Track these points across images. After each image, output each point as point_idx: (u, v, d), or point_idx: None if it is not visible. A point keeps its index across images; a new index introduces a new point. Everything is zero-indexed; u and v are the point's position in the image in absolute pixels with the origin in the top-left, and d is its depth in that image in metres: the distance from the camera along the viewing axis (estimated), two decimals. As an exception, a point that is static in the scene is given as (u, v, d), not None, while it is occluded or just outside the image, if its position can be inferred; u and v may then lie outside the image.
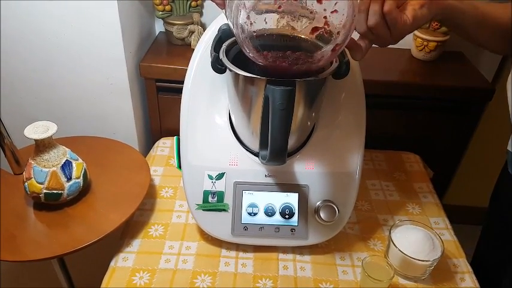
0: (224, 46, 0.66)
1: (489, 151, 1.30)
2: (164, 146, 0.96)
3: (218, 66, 0.63)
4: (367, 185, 0.88)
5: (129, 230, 0.75)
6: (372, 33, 0.52)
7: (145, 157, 0.95)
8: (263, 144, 0.68)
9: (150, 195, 0.82)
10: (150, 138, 1.07)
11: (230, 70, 0.62)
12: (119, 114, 0.96)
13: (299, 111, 0.64)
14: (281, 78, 0.57)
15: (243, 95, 0.65)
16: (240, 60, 0.68)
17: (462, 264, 0.72)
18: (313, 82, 0.62)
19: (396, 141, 1.02)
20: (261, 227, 0.70)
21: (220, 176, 0.71)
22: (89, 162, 0.77)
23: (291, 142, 0.68)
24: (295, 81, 0.58)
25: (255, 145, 0.70)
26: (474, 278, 0.70)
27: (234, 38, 0.69)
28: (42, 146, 0.69)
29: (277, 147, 0.60)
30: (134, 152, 0.85)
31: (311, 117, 0.69)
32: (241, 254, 0.71)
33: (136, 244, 0.73)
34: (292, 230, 0.70)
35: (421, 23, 0.52)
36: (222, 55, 0.64)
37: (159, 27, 1.07)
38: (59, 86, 0.93)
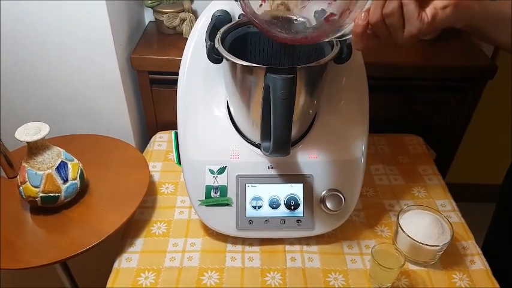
0: (219, 34, 0.63)
1: (491, 128, 1.29)
2: (161, 140, 0.93)
3: (214, 56, 0.60)
4: (371, 170, 0.87)
5: (131, 229, 0.73)
6: (383, 26, 0.48)
7: (142, 153, 0.92)
8: (265, 135, 0.66)
9: (150, 192, 0.80)
10: (146, 133, 1.04)
11: (227, 60, 0.59)
12: (112, 109, 0.92)
13: (301, 99, 0.62)
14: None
15: (241, 85, 0.63)
16: (236, 48, 0.66)
17: (471, 246, 0.71)
18: (314, 68, 0.60)
19: (397, 124, 1.00)
20: (266, 219, 0.69)
21: (221, 170, 0.69)
22: (84, 161, 0.75)
23: (293, 131, 0.66)
24: (295, 69, 0.56)
25: (256, 137, 0.68)
26: (484, 259, 0.69)
27: (229, 25, 0.66)
28: (35, 148, 0.67)
29: (280, 138, 0.58)
30: (131, 149, 0.83)
31: (313, 105, 0.67)
32: (247, 248, 0.70)
33: (139, 243, 0.71)
34: (298, 221, 0.69)
35: (440, 25, 0.46)
36: (217, 44, 0.61)
37: (148, 16, 1.03)
38: (47, 84, 0.89)
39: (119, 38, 0.86)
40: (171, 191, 0.81)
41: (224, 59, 0.59)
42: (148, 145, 0.93)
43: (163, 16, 0.93)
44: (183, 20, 0.94)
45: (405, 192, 0.82)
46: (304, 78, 0.59)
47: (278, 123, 0.57)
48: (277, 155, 0.61)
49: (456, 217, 0.77)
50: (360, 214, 0.77)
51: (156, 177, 0.84)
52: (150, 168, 0.85)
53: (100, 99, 0.91)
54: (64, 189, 0.68)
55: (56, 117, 0.94)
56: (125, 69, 0.91)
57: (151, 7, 0.94)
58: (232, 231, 0.69)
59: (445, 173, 1.09)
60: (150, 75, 0.92)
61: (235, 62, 0.58)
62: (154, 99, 0.96)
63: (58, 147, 0.70)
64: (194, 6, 1.00)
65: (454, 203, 0.79)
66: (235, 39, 0.67)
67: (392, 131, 0.97)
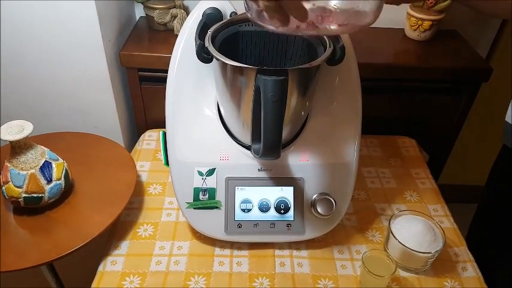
0: (210, 32, 0.61)
1: (485, 130, 1.29)
2: (150, 139, 0.91)
3: (204, 55, 0.58)
4: (363, 172, 0.85)
5: (116, 231, 0.71)
6: None
7: (130, 151, 0.90)
8: (255, 137, 0.64)
9: (138, 192, 0.78)
10: (135, 131, 1.02)
11: (217, 59, 0.57)
12: (100, 107, 0.90)
13: (292, 101, 0.60)
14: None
15: (232, 85, 0.61)
16: (227, 47, 0.64)
17: (463, 253, 0.70)
18: (306, 70, 0.58)
19: (390, 125, 0.99)
20: (256, 223, 0.67)
21: (210, 172, 0.67)
22: (70, 160, 0.72)
23: (284, 133, 0.64)
24: (287, 70, 0.54)
25: (246, 138, 0.67)
26: (476, 266, 0.68)
27: (220, 23, 0.64)
28: (18, 148, 0.64)
29: (270, 141, 0.56)
30: (118, 148, 0.81)
31: (305, 107, 0.66)
32: (235, 252, 0.68)
33: (124, 246, 0.69)
34: (288, 225, 0.67)
35: None
36: (207, 43, 0.59)
37: (139, 12, 1.01)
38: (34, 80, 0.86)
39: (107, 33, 0.83)
40: (159, 192, 0.79)
41: (214, 59, 0.57)
42: (136, 144, 0.91)
43: (154, 12, 0.91)
44: (174, 17, 0.92)
45: (397, 196, 0.81)
46: (296, 79, 0.58)
47: (268, 126, 0.55)
48: (267, 158, 0.60)
49: (448, 222, 0.76)
50: (351, 218, 0.76)
51: (144, 177, 0.82)
52: (138, 168, 0.84)
53: (88, 96, 0.88)
54: (48, 189, 0.66)
55: (43, 114, 0.91)
56: (114, 66, 0.88)
57: (142, 3, 0.92)
58: (220, 234, 0.67)
59: (437, 175, 1.08)
60: (139, 72, 0.90)
61: (225, 62, 0.56)
62: (143, 97, 0.93)
63: (42, 146, 0.68)
64: (186, 2, 0.97)
65: (446, 208, 0.79)
66: (226, 38, 0.65)
67: (385, 132, 0.96)
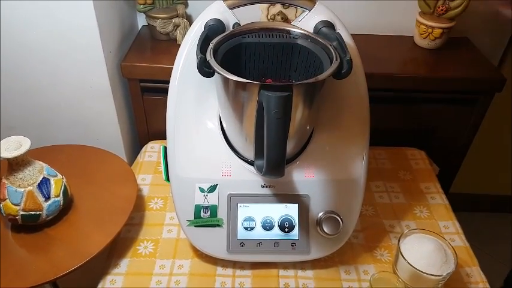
0: (211, 45, 0.59)
1: (498, 143, 1.24)
2: (152, 150, 0.89)
3: (205, 70, 0.56)
4: (371, 186, 0.83)
5: (116, 248, 0.70)
6: None
7: (132, 163, 0.89)
8: (258, 153, 0.62)
9: (138, 207, 0.76)
10: (137, 143, 1.00)
11: (219, 73, 0.55)
12: (102, 119, 0.89)
13: (297, 116, 0.58)
14: None
15: (234, 100, 0.59)
16: (230, 59, 0.62)
17: (475, 273, 0.67)
18: (311, 84, 0.56)
19: (398, 136, 0.96)
20: (259, 242, 0.65)
21: (212, 189, 0.65)
22: (69, 174, 0.71)
23: (289, 148, 0.62)
24: (291, 86, 0.52)
25: (249, 153, 0.64)
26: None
27: (222, 35, 0.62)
28: (15, 164, 0.63)
29: (274, 159, 0.54)
30: (119, 161, 0.79)
31: (310, 121, 0.63)
32: (238, 272, 0.66)
33: (124, 264, 0.67)
34: (293, 244, 0.65)
35: None
36: (209, 56, 0.57)
37: (141, 20, 0.99)
38: (34, 92, 0.85)
39: (108, 44, 0.82)
40: (160, 207, 0.77)
41: (216, 73, 0.55)
42: (138, 155, 0.89)
43: (156, 22, 0.89)
44: (176, 26, 0.90)
45: (407, 212, 0.78)
46: (301, 94, 0.55)
47: (272, 144, 0.53)
48: (270, 176, 0.58)
49: (460, 240, 0.73)
50: (358, 235, 0.73)
51: (145, 190, 0.80)
52: (139, 181, 0.82)
53: (89, 107, 0.87)
54: (46, 207, 0.64)
55: (44, 126, 0.90)
56: (115, 77, 0.87)
57: (144, 12, 0.90)
58: (222, 253, 0.65)
59: (447, 188, 1.04)
60: (141, 84, 0.88)
61: (228, 77, 0.54)
62: (145, 108, 0.92)
63: (41, 162, 0.66)
64: (189, 10, 0.96)
65: (458, 225, 0.75)
66: (229, 50, 0.63)
67: (393, 144, 0.93)
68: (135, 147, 1.01)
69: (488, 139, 1.20)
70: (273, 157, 0.54)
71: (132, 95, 0.90)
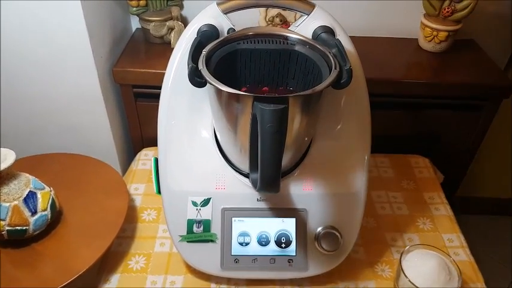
0: (204, 53, 0.56)
1: (504, 150, 1.21)
2: (146, 158, 0.87)
3: (197, 80, 0.53)
4: (373, 197, 0.80)
5: (106, 262, 0.67)
6: None
7: (126, 170, 0.86)
8: (253, 166, 0.59)
9: (131, 219, 0.74)
10: (131, 149, 0.97)
11: (211, 84, 0.52)
12: (94, 125, 0.86)
13: (294, 128, 0.55)
14: None
15: (227, 111, 0.56)
16: (224, 66, 0.59)
17: (481, 291, 0.64)
18: (308, 96, 0.53)
19: (402, 143, 0.92)
20: (254, 258, 0.62)
21: (205, 202, 0.62)
22: (59, 185, 0.68)
23: (285, 161, 0.59)
24: (287, 98, 0.49)
25: (244, 165, 0.61)
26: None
27: (216, 42, 0.59)
28: (0, 178, 0.60)
29: (268, 175, 0.51)
30: (111, 171, 0.76)
31: (308, 132, 0.60)
32: (233, 289, 0.63)
33: (114, 280, 0.64)
34: (290, 260, 0.62)
35: None
36: (201, 65, 0.54)
37: (135, 23, 0.96)
38: (24, 99, 0.82)
39: (99, 49, 0.79)
40: (153, 218, 0.74)
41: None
42: (132, 163, 0.87)
43: (149, 24, 0.86)
44: (171, 29, 0.87)
45: (409, 224, 0.75)
46: (298, 106, 0.52)
47: (266, 159, 0.50)
48: (265, 192, 0.55)
49: (464, 255, 0.70)
50: (359, 250, 0.70)
51: (138, 201, 0.77)
52: (132, 191, 0.79)
53: (81, 114, 0.84)
54: (33, 221, 0.62)
55: (35, 133, 0.87)
56: (107, 83, 0.84)
57: (137, 15, 0.87)
58: (216, 270, 0.62)
59: (451, 196, 1.01)
60: (134, 89, 0.85)
61: (220, 88, 0.51)
62: (139, 114, 0.89)
63: (27, 175, 0.64)
64: (184, 12, 0.92)
65: (462, 238, 0.72)
66: (224, 57, 0.60)
67: (397, 151, 0.89)
68: (129, 154, 0.98)
69: (493, 145, 1.17)
70: (268, 173, 0.51)
71: (125, 101, 0.87)
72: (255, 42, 0.61)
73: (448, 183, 0.87)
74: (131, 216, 0.74)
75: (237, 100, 0.52)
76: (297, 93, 0.51)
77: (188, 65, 0.53)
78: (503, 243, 1.33)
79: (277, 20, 0.89)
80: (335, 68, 0.53)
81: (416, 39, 0.93)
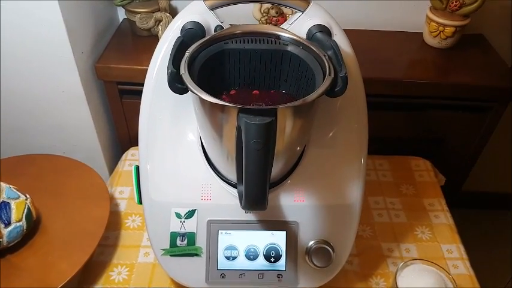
0: (187, 54, 0.51)
1: (508, 152, 1.16)
2: (133, 158, 0.83)
3: (177, 86, 0.48)
4: (370, 203, 0.76)
5: (87, 273, 0.64)
6: None
7: (113, 171, 0.82)
8: (240, 178, 0.55)
9: (114, 225, 0.70)
10: (118, 148, 0.93)
11: (192, 92, 0.47)
12: (77, 124, 0.82)
13: (284, 139, 0.50)
14: None
15: (211, 119, 0.51)
16: (211, 68, 0.54)
17: (481, 308, 0.61)
18: (298, 107, 0.48)
19: (403, 145, 0.88)
20: (242, 273, 0.59)
21: (190, 214, 0.58)
22: (38, 190, 0.65)
23: (275, 171, 0.55)
24: (275, 110, 0.44)
25: (231, 174, 0.57)
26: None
27: (200, 42, 0.54)
28: (-31, 187, 0.57)
29: (253, 194, 0.47)
30: (93, 175, 0.72)
31: (300, 142, 0.56)
32: (219, 304, 0.60)
33: (95, 293, 0.62)
34: (279, 275, 0.59)
35: None
36: (183, 69, 0.49)
37: (122, 13, 0.90)
38: (2, 96, 0.78)
39: (79, 43, 0.73)
40: (138, 225, 0.71)
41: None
42: (118, 164, 0.83)
43: (135, 16, 0.81)
44: (158, 21, 0.81)
45: (407, 233, 0.71)
46: (288, 116, 0.48)
47: (251, 177, 0.46)
48: (250, 210, 0.51)
49: (464, 267, 0.66)
50: (353, 261, 0.67)
51: (123, 206, 0.74)
52: (117, 195, 0.75)
53: (63, 112, 0.80)
54: (6, 233, 0.58)
55: (17, 132, 0.83)
56: (90, 79, 0.79)
57: (122, 6, 0.81)
58: (201, 285, 0.59)
59: (452, 200, 0.97)
60: (119, 86, 0.80)
61: (202, 97, 0.46)
62: (125, 112, 0.84)
63: (0, 183, 0.60)
64: (174, 2, 0.87)
65: (462, 249, 0.69)
66: (210, 57, 0.55)
67: (398, 153, 0.85)
68: (117, 152, 0.94)
69: (497, 147, 1.12)
70: (253, 191, 0.47)
71: (110, 98, 0.82)
72: (244, 42, 0.56)
73: (449, 187, 0.83)
74: (114, 223, 0.70)
75: (222, 110, 0.48)
76: (286, 105, 0.46)
77: (168, 69, 0.48)
78: (502, 239, 1.31)
79: (272, 12, 0.84)
80: (329, 74, 0.49)
81: (421, 33, 0.88)
